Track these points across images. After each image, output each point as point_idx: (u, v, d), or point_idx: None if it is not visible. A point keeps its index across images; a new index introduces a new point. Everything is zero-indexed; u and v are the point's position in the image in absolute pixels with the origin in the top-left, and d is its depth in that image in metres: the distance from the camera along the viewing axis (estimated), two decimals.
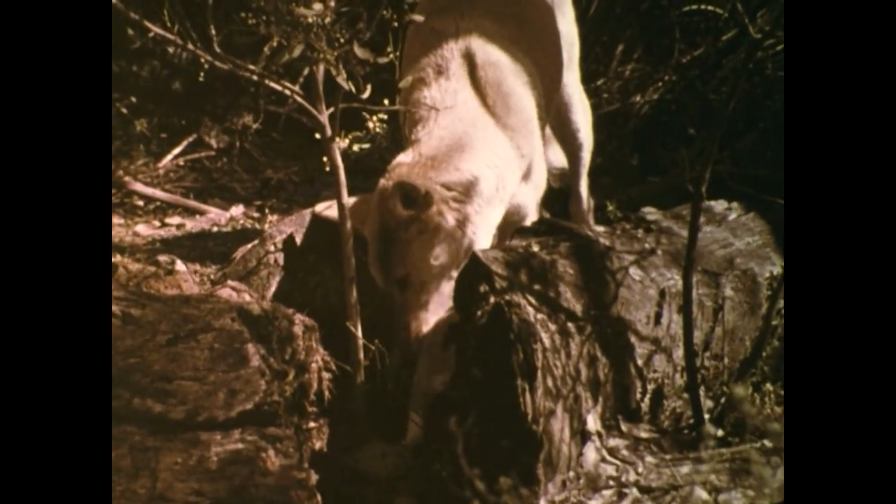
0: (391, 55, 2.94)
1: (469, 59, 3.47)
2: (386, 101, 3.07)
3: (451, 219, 3.31)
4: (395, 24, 2.90)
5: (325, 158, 3.09)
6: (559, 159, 4.45)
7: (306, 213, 3.70)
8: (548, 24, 3.83)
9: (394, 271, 3.29)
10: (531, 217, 3.59)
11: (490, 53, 3.50)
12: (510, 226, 3.53)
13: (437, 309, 3.31)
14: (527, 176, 3.53)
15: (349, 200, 3.21)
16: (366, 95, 2.92)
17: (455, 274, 3.30)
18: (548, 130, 4.33)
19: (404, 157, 3.36)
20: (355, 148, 3.02)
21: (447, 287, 3.31)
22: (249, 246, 3.66)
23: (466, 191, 3.32)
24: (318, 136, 3.05)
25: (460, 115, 3.40)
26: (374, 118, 2.94)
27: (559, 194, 4.37)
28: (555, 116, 4.10)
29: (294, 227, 3.68)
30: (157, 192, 4.72)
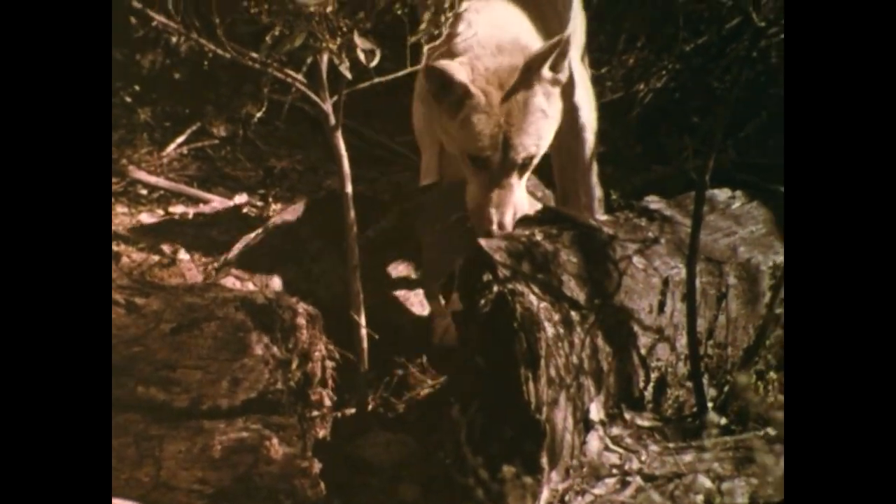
0: (399, 10, 2.90)
1: None
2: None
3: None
4: None
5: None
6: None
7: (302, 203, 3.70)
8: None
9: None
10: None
11: None
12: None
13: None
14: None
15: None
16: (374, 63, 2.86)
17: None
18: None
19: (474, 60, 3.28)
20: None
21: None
22: (252, 235, 3.66)
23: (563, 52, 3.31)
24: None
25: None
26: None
27: None
28: None
29: (297, 215, 3.68)
30: (161, 181, 4.71)
